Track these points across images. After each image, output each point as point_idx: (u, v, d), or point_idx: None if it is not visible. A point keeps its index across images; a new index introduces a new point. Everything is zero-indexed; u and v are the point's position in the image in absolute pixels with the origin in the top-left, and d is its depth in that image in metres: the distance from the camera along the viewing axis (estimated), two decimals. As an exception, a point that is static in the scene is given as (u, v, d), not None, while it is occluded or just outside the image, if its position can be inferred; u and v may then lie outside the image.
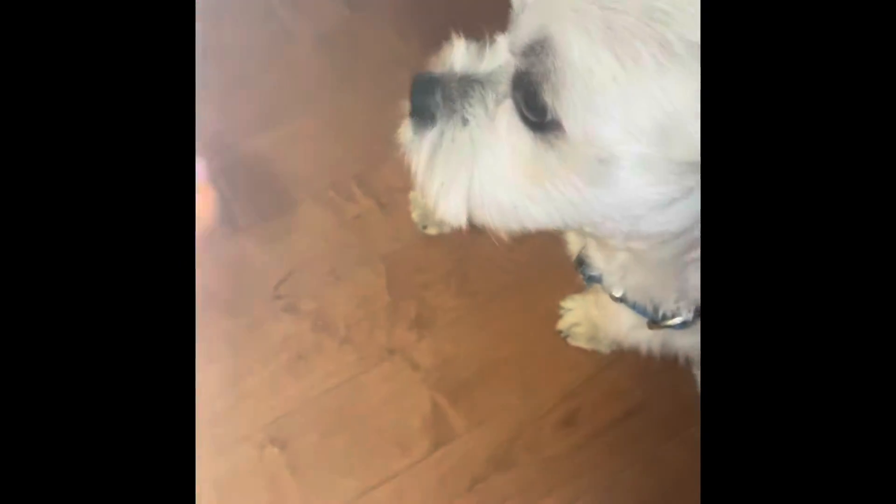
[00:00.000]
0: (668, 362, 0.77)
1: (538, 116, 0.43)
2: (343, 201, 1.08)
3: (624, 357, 0.93)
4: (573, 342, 0.95)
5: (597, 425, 0.92)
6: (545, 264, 0.96)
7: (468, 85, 0.47)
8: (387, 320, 0.99)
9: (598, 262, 0.57)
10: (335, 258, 1.03)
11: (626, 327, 0.63)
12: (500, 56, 0.46)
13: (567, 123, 0.41)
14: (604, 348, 0.94)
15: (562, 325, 0.96)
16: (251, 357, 0.96)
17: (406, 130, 0.49)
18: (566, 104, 0.41)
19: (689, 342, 0.63)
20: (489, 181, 0.46)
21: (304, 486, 0.88)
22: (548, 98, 0.41)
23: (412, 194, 1.04)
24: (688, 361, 0.84)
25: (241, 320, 0.99)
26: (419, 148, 0.48)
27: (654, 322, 0.56)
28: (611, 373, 0.95)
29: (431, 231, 1.03)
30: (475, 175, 0.46)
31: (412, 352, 0.96)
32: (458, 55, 0.48)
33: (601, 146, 0.41)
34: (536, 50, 0.41)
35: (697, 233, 0.44)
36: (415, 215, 1.04)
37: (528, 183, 0.44)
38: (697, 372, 0.92)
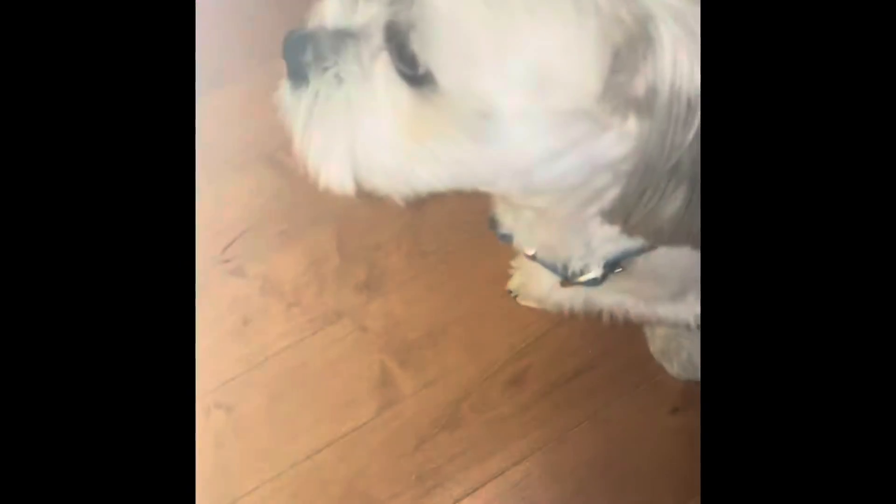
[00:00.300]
0: (617, 322, 0.76)
1: (411, 69, 0.40)
2: (294, 161, 1.05)
3: (574, 316, 0.91)
4: (523, 301, 0.94)
5: (545, 384, 0.91)
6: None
7: (340, 40, 0.44)
8: (335, 282, 0.98)
9: (507, 220, 0.55)
10: (285, 219, 1.02)
11: (546, 287, 0.61)
12: (372, 7, 0.43)
13: (440, 76, 0.39)
14: (553, 308, 0.92)
15: (511, 284, 0.94)
16: (198, 322, 0.95)
17: (284, 92, 0.47)
18: (436, 55, 0.39)
19: (612, 300, 0.62)
20: (370, 143, 0.43)
21: (249, 450, 0.88)
22: (416, 48, 0.39)
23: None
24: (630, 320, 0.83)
25: (189, 284, 0.98)
26: (297, 110, 0.46)
27: (566, 279, 0.55)
28: (561, 331, 0.93)
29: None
30: (355, 138, 0.43)
31: (361, 314, 0.95)
32: (331, 8, 0.45)
33: (478, 99, 0.38)
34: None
35: (595, 185, 0.42)
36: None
37: (410, 142, 0.42)
38: (647, 330, 0.90)
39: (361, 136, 0.43)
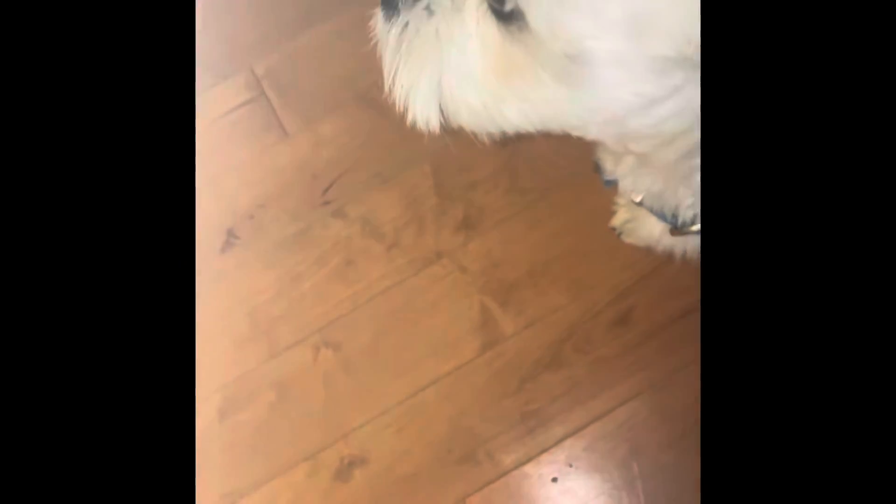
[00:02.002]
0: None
1: (501, 4, 0.38)
2: (388, 100, 1.04)
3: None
4: (627, 239, 0.90)
5: (651, 324, 0.88)
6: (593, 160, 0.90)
7: None
8: (434, 222, 0.97)
9: (609, 165, 0.52)
10: (381, 160, 1.01)
11: (657, 231, 0.58)
12: None
13: (530, 14, 0.36)
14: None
15: (615, 221, 0.90)
16: (304, 263, 0.98)
17: (378, 21, 0.45)
18: None
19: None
20: (457, 80, 0.41)
21: (357, 386, 0.91)
22: None
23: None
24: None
25: (293, 227, 1.00)
26: (386, 41, 0.44)
27: (676, 228, 0.51)
28: (668, 270, 0.89)
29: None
30: (442, 73, 0.41)
31: (460, 254, 0.95)
32: None
33: (568, 40, 0.35)
34: None
35: (699, 135, 0.39)
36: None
37: (497, 81, 0.40)
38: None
39: (448, 72, 0.41)
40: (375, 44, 0.47)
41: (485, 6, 0.39)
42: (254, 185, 1.03)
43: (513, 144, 0.97)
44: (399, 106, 0.44)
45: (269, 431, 0.91)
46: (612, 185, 0.55)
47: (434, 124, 0.43)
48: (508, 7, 0.37)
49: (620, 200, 0.89)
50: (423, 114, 0.43)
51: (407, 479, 0.87)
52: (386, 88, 0.45)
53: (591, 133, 0.42)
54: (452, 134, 0.45)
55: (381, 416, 0.89)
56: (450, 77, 0.41)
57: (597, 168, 0.56)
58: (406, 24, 0.42)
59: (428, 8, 0.41)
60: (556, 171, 0.96)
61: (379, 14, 0.45)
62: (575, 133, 0.42)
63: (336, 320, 0.95)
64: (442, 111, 0.43)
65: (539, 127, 0.41)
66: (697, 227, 0.49)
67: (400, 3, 0.42)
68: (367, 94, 1.05)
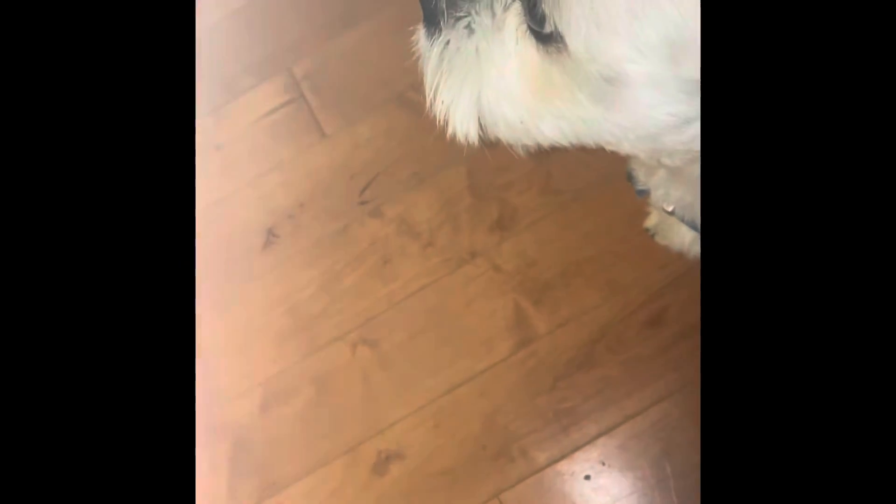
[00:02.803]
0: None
1: (541, 26, 0.39)
2: (424, 101, 1.06)
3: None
4: (661, 241, 0.90)
5: (684, 325, 0.89)
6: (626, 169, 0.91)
7: None
8: (469, 222, 0.99)
9: (641, 176, 0.53)
10: (417, 160, 1.03)
11: (688, 239, 0.59)
12: None
13: (569, 37, 0.37)
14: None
15: (649, 222, 0.91)
16: (342, 261, 1.01)
17: (420, 37, 0.47)
18: (567, 16, 0.37)
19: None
20: (495, 96, 0.42)
21: (394, 383, 0.94)
22: (547, 8, 0.37)
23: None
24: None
25: (331, 226, 1.03)
26: (429, 57, 0.45)
27: (709, 238, 0.52)
28: (702, 271, 0.90)
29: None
30: (481, 89, 0.43)
31: (494, 254, 0.96)
32: None
33: (606, 63, 0.37)
34: None
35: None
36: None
37: (535, 99, 0.41)
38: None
39: (487, 88, 0.43)
40: (417, 57, 0.48)
41: (524, 27, 0.40)
42: (293, 185, 1.05)
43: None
44: (440, 120, 0.45)
45: (309, 426, 0.94)
46: (645, 194, 0.56)
47: (473, 137, 0.45)
48: (547, 29, 0.38)
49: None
50: (462, 127, 0.44)
51: (442, 474, 0.89)
52: (427, 103, 0.46)
53: (624, 148, 0.43)
54: (490, 145, 0.46)
55: (417, 412, 0.92)
56: (489, 93, 0.43)
57: (630, 178, 0.57)
58: (447, 42, 0.44)
59: (469, 27, 0.43)
60: (590, 173, 0.96)
61: (421, 30, 0.46)
62: (609, 148, 0.44)
63: (373, 318, 0.97)
64: (480, 125, 0.44)
65: (574, 142, 0.42)
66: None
67: (442, 22, 0.44)
68: (404, 95, 1.06)
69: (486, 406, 0.91)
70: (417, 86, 1.18)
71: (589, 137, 0.42)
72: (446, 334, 0.95)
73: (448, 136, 0.48)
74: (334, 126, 1.08)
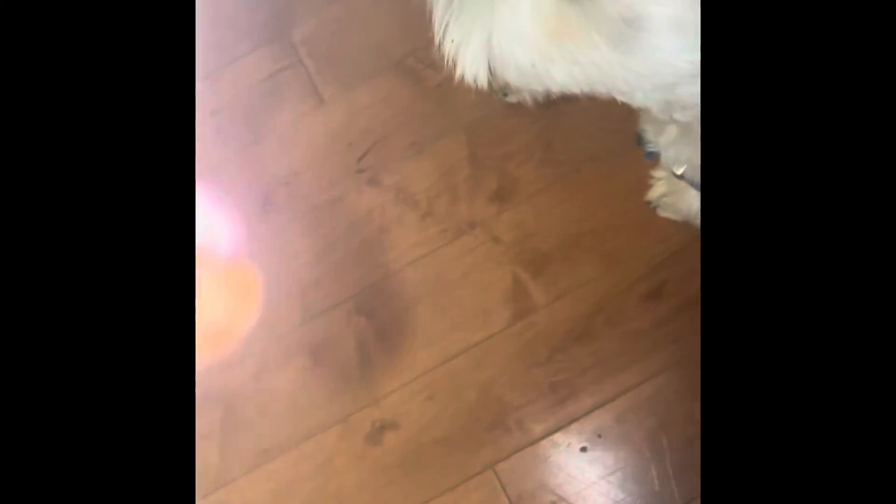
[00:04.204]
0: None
1: None
2: (424, 69, 1.04)
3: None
4: (662, 213, 0.90)
5: (683, 299, 0.88)
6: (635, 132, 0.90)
7: None
8: (468, 193, 0.97)
9: (651, 135, 0.52)
10: (416, 129, 1.01)
11: (696, 205, 0.58)
12: None
13: None
14: (696, 220, 0.88)
15: (651, 195, 0.90)
16: (338, 229, 0.99)
17: None
18: None
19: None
20: (507, 38, 0.41)
21: (389, 353, 0.93)
22: None
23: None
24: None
25: (327, 193, 1.01)
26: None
27: (719, 201, 0.51)
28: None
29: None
30: (492, 30, 0.41)
31: (493, 225, 0.95)
32: None
33: (629, 4, 0.35)
34: None
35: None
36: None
37: (548, 41, 0.40)
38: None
39: (499, 29, 0.41)
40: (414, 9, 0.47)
41: None
42: (290, 151, 1.04)
43: (550, 114, 0.97)
44: (447, 61, 0.44)
45: (303, 394, 0.93)
46: (655, 157, 0.55)
47: (482, 80, 0.43)
48: None
49: (658, 174, 0.89)
50: (471, 69, 0.43)
51: (437, 443, 0.89)
52: (436, 43, 0.44)
53: (637, 99, 0.42)
54: (498, 90, 0.45)
55: (413, 383, 0.91)
56: (500, 34, 0.41)
57: (639, 140, 0.56)
58: None
59: None
60: (592, 144, 0.95)
61: None
62: (620, 98, 0.42)
63: (369, 287, 0.96)
64: (490, 68, 0.43)
65: (585, 89, 0.41)
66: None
67: None
68: (403, 62, 1.05)
69: (481, 377, 0.90)
70: (417, 52, 1.16)
71: (602, 84, 0.40)
72: (443, 305, 0.94)
73: (456, 78, 0.46)
74: (332, 93, 1.06)
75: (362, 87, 1.05)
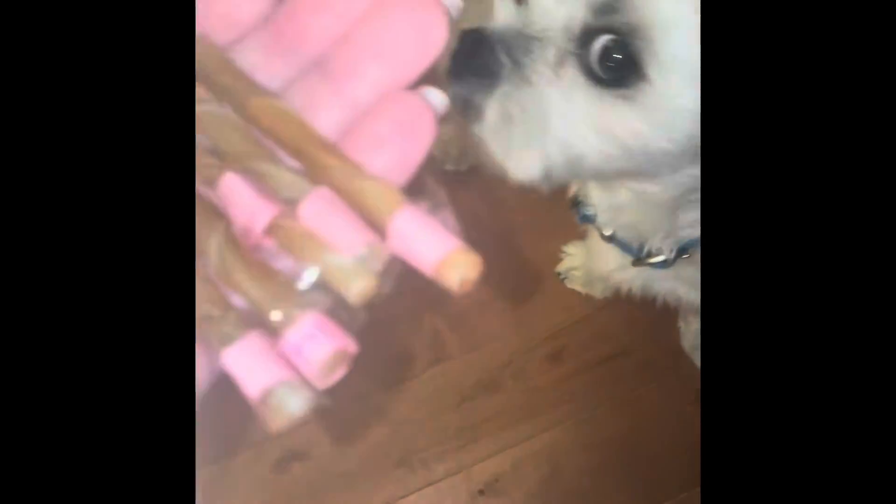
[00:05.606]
0: (655, 313, 0.83)
1: (609, 73, 0.44)
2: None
3: (615, 304, 0.99)
4: (569, 284, 1.02)
5: (581, 363, 0.99)
6: (556, 208, 1.02)
7: (527, 41, 0.46)
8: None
9: (596, 200, 0.62)
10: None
11: (612, 265, 0.68)
12: (549, 12, 0.46)
13: (654, 76, 0.43)
14: (597, 293, 1.00)
15: (561, 267, 1.02)
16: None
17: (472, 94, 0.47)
18: (653, 58, 0.42)
19: (667, 286, 0.69)
20: (561, 142, 0.46)
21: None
22: (635, 51, 0.42)
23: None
24: (674, 312, 0.91)
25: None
26: (478, 111, 0.47)
27: (638, 259, 0.62)
28: (601, 317, 1.01)
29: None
30: (548, 138, 0.46)
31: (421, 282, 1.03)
32: (504, 11, 0.47)
33: (690, 109, 0.43)
34: (615, 6, 0.42)
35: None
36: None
37: (593, 135, 0.46)
38: (682, 324, 0.98)
39: (552, 136, 0.46)
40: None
41: (581, 74, 0.45)
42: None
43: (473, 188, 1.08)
44: (498, 163, 0.48)
45: (217, 419, 0.94)
46: (588, 220, 0.65)
47: (536, 178, 0.48)
48: (623, 73, 0.43)
49: (568, 249, 1.01)
50: (527, 170, 0.47)
51: (343, 476, 0.92)
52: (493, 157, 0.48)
53: (645, 177, 0.50)
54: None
55: (327, 416, 0.95)
56: (555, 140, 0.46)
57: (575, 203, 0.66)
58: (508, 94, 0.46)
59: (527, 77, 0.46)
60: (515, 216, 1.07)
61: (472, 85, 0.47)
62: (630, 182, 0.52)
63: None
64: (544, 168, 0.47)
65: (613, 171, 0.49)
66: (659, 258, 0.60)
67: (502, 73, 0.46)
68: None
69: (395, 415, 0.95)
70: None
71: (635, 166, 0.47)
72: (367, 347, 0.99)
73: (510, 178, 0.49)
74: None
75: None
